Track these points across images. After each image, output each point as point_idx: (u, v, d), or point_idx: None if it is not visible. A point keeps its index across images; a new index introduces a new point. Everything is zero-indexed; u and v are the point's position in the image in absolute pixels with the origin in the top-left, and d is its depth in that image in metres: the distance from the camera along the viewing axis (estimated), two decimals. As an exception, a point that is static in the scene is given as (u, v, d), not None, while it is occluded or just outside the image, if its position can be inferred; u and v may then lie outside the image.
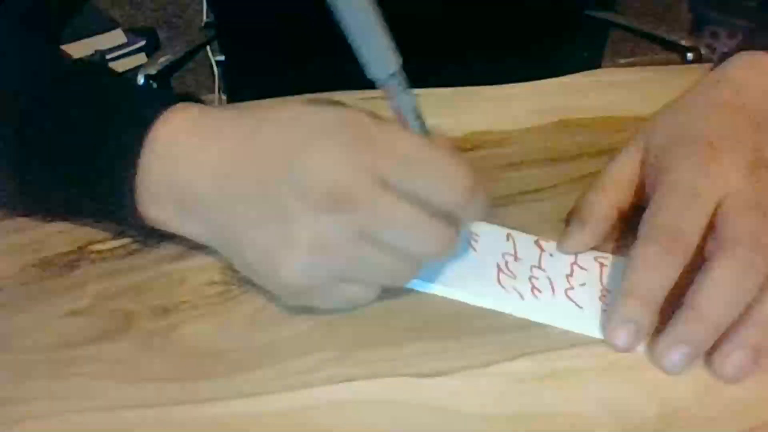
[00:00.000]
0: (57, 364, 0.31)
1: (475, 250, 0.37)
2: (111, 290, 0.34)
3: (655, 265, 0.31)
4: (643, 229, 0.33)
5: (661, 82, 0.53)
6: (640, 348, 0.31)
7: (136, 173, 0.32)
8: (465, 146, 0.45)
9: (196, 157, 0.32)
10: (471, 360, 0.31)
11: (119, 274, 0.35)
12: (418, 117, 0.32)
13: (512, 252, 0.37)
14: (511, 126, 0.47)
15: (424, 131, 0.32)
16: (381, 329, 0.32)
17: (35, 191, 0.35)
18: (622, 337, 0.31)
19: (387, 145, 0.29)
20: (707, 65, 0.45)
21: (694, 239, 0.32)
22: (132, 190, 0.32)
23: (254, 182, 0.30)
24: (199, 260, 0.36)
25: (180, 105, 0.33)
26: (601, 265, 0.36)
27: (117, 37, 1.52)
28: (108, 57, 1.48)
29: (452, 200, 0.30)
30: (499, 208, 0.39)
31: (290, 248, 0.29)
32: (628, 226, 0.37)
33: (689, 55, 0.81)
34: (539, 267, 0.36)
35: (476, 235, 0.38)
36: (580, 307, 0.34)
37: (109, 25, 1.52)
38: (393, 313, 0.33)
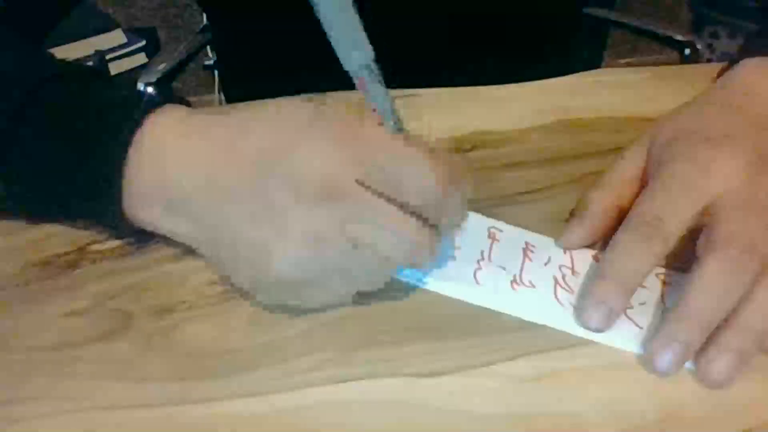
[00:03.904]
0: (57, 364, 0.31)
1: (530, 260, 0.36)
2: (111, 290, 0.34)
3: (632, 252, 0.32)
4: (628, 216, 0.33)
5: (661, 81, 0.53)
6: (689, 365, 0.30)
7: (123, 173, 0.32)
8: (465, 146, 0.45)
9: (184, 155, 0.32)
10: (471, 360, 0.31)
11: (119, 274, 0.35)
12: (392, 112, 0.31)
13: (569, 265, 0.36)
14: (511, 126, 0.47)
15: (398, 125, 0.32)
16: (381, 329, 0.32)
17: (24, 192, 0.35)
18: (594, 317, 0.31)
19: (366, 143, 0.30)
20: (709, 65, 0.45)
21: (675, 229, 0.32)
22: (120, 191, 0.32)
23: (246, 179, 0.30)
24: (199, 260, 0.36)
25: (168, 106, 0.34)
26: (663, 282, 0.35)
27: (117, 37, 1.52)
28: (108, 57, 1.48)
29: (424, 197, 0.30)
30: (499, 208, 0.39)
31: (284, 240, 0.29)
32: None
33: (686, 51, 0.81)
34: None
35: (533, 246, 0.37)
36: (640, 328, 0.32)
37: (108, 25, 1.52)
38: (393, 313, 0.33)
